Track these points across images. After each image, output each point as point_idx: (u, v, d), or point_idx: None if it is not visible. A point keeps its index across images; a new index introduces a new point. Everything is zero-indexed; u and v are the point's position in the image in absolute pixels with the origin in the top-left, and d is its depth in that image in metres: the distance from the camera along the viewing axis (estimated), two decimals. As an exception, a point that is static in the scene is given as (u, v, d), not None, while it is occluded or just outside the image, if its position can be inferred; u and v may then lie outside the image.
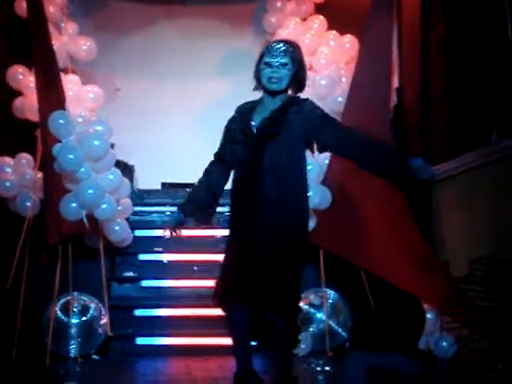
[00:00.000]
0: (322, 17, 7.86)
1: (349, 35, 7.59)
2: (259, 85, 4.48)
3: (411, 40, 7.68)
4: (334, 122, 4.53)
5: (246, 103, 4.58)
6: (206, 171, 4.63)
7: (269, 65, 4.38)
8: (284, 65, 4.37)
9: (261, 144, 4.34)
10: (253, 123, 4.43)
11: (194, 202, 4.60)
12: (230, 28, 8.66)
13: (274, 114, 4.39)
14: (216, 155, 4.64)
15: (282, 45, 4.41)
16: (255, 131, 4.40)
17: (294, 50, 4.44)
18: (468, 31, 6.62)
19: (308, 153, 6.53)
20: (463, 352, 5.26)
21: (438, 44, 7.24)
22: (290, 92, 4.52)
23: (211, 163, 4.65)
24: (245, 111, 4.52)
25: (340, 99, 7.06)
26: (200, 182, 4.63)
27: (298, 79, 4.47)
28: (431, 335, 6.10)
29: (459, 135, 6.69)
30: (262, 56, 4.45)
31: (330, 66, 7.38)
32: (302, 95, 4.57)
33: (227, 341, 4.95)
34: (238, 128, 4.48)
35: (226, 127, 4.58)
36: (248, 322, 4.41)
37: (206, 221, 4.69)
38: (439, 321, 6.05)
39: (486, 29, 6.29)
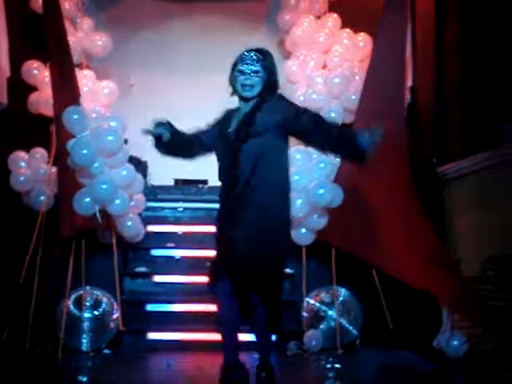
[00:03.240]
0: (335, 15, 7.87)
1: (362, 33, 7.61)
2: (234, 91, 4.76)
3: (425, 38, 7.69)
4: (302, 110, 4.71)
5: (227, 110, 4.88)
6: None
7: (242, 72, 4.66)
8: (256, 72, 4.65)
9: (237, 146, 4.61)
10: (229, 129, 4.71)
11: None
12: (244, 25, 8.66)
13: (245, 117, 4.67)
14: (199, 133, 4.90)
15: (253, 53, 4.68)
16: (230, 135, 4.68)
17: (264, 58, 4.71)
18: (482, 30, 6.62)
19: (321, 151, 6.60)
20: (474, 351, 5.27)
21: (452, 43, 7.24)
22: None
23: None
24: (224, 118, 4.83)
25: (354, 97, 7.08)
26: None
27: (270, 85, 4.72)
28: (442, 334, 6.11)
29: (473, 134, 6.69)
30: (235, 64, 4.73)
31: (344, 64, 7.38)
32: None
33: (241, 336, 5.00)
34: (219, 133, 4.78)
35: (214, 125, 4.87)
36: (237, 316, 4.67)
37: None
38: (450, 319, 6.06)
39: (500, 28, 6.29)
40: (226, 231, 4.61)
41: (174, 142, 4.75)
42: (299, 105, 4.86)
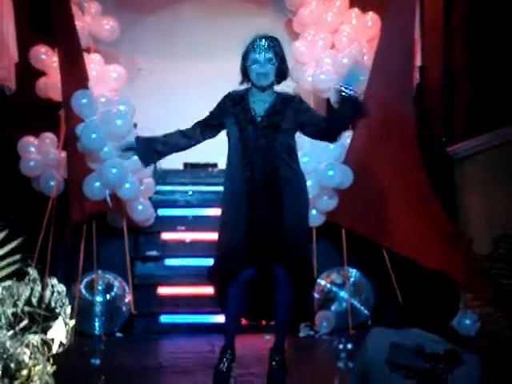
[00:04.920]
0: (343, -5, 7.82)
1: (371, 13, 7.55)
2: (246, 79, 4.72)
3: (433, 18, 7.64)
4: (315, 113, 4.79)
5: (235, 91, 4.79)
6: (181, 131, 4.83)
7: (256, 61, 4.61)
8: (269, 60, 4.61)
9: (270, 131, 4.62)
10: (256, 111, 4.67)
11: (152, 141, 4.81)
12: (251, 7, 8.63)
13: (275, 105, 4.66)
14: (200, 123, 4.81)
15: (265, 40, 4.64)
16: (260, 119, 4.64)
17: (275, 45, 4.67)
18: (490, 9, 6.59)
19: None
20: (486, 330, 5.27)
21: (460, 22, 7.21)
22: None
23: (193, 127, 4.82)
24: (241, 98, 4.73)
25: (362, 78, 7.02)
26: (171, 133, 4.84)
27: (282, 72, 4.71)
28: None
29: (482, 113, 6.67)
30: (247, 52, 4.67)
31: (352, 44, 7.34)
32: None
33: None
34: (239, 113, 4.69)
35: (220, 105, 4.78)
36: (246, 301, 4.66)
37: (146, 161, 4.86)
38: (462, 298, 6.05)
39: (508, 6, 6.25)
40: (245, 212, 4.60)
41: (158, 151, 4.79)
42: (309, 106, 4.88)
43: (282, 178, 4.61)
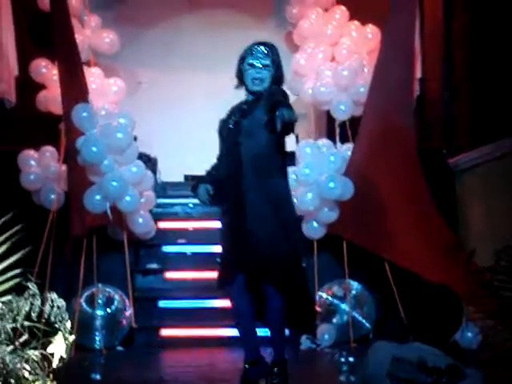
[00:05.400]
0: (343, 7, 7.83)
1: (370, 25, 7.57)
2: (241, 84, 4.71)
3: (433, 30, 7.65)
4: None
5: (236, 104, 4.79)
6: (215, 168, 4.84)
7: (252, 66, 4.61)
8: (266, 66, 4.61)
9: (235, 139, 4.58)
10: (234, 119, 4.67)
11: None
12: (252, 19, 8.65)
13: (247, 107, 4.63)
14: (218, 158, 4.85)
15: (263, 47, 4.65)
16: (232, 126, 4.64)
17: (273, 52, 4.67)
18: (490, 19, 6.59)
19: (330, 144, 6.58)
20: (488, 342, 5.24)
21: (460, 34, 7.22)
22: None
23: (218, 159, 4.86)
24: (232, 113, 4.76)
25: (362, 90, 7.02)
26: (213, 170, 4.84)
27: (277, 79, 4.67)
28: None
29: (482, 125, 6.66)
30: (244, 57, 4.68)
31: (352, 57, 7.34)
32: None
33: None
34: (225, 125, 4.73)
35: (218, 131, 4.79)
36: (253, 310, 4.59)
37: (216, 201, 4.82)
38: (464, 311, 6.03)
39: (508, 17, 6.25)
40: (236, 226, 4.57)
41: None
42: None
43: (246, 189, 4.52)
